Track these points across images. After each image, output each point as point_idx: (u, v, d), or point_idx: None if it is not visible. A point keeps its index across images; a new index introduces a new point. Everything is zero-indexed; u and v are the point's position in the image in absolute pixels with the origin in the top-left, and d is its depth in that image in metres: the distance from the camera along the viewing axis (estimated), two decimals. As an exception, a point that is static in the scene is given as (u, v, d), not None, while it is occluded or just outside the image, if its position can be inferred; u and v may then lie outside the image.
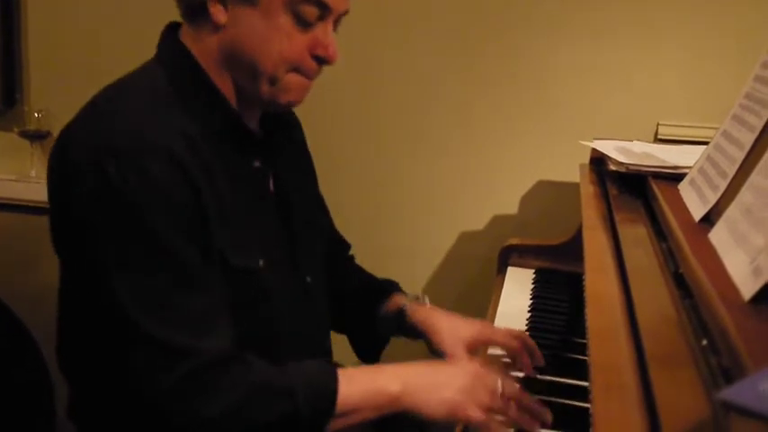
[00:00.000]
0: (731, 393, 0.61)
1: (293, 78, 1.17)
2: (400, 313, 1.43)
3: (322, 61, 1.17)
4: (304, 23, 1.13)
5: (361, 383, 1.15)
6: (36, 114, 2.29)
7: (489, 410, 1.14)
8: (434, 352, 1.38)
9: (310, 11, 1.13)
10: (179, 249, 1.07)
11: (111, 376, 1.13)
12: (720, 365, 0.82)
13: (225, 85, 1.18)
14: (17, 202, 2.35)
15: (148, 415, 1.10)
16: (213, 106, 1.17)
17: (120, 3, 2.23)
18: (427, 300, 1.47)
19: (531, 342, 1.36)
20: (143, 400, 1.09)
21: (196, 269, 1.09)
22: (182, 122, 1.12)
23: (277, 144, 1.30)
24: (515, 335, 1.38)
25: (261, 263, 1.20)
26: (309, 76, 1.18)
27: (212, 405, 1.07)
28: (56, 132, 2.26)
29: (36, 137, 2.31)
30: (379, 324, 1.47)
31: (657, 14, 1.94)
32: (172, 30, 1.22)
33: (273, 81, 1.16)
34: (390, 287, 1.50)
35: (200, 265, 1.10)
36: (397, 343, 1.51)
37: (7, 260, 2.35)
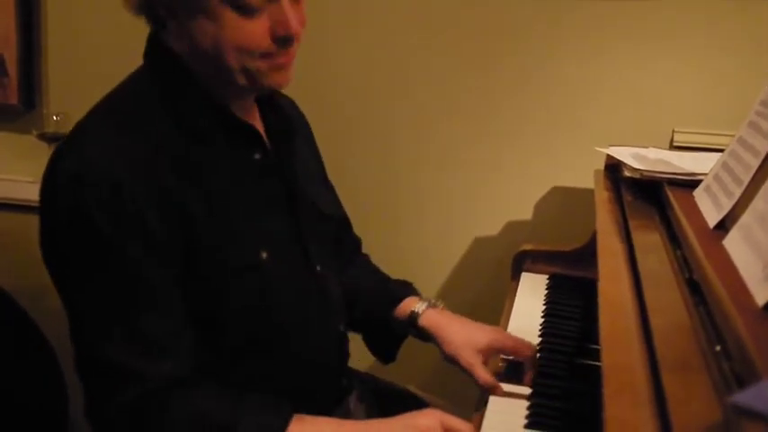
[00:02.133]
0: (742, 397, 0.61)
1: (263, 64, 1.15)
2: (411, 318, 1.42)
3: (285, 40, 1.14)
4: (248, 10, 1.11)
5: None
6: (54, 117, 2.30)
7: None
8: (448, 359, 1.37)
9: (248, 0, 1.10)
10: (147, 272, 1.09)
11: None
12: (733, 371, 0.82)
13: (212, 81, 1.18)
14: (34, 204, 2.36)
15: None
16: (202, 104, 1.18)
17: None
18: (441, 304, 1.46)
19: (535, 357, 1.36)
20: (93, 418, 1.13)
21: (164, 292, 1.11)
22: (165, 129, 1.14)
23: (278, 134, 1.30)
24: (527, 344, 1.37)
25: (264, 255, 1.20)
26: (279, 57, 1.15)
27: None
28: (74, 135, 2.31)
29: (54, 139, 2.31)
30: (393, 327, 1.47)
31: (674, 22, 1.94)
32: (155, 35, 1.23)
33: (245, 72, 1.15)
34: (404, 289, 1.49)
35: (166, 287, 1.11)
36: (413, 342, 1.51)
37: (26, 261, 2.37)
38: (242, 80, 1.16)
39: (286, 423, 1.12)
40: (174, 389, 1.10)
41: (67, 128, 2.25)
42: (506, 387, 1.30)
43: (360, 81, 2.12)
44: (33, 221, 2.35)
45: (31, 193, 2.32)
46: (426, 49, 2.10)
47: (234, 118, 1.21)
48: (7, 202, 2.39)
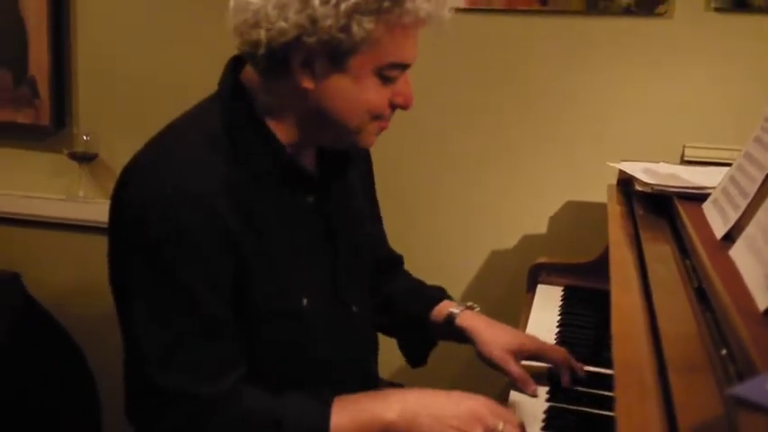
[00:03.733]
0: (741, 390, 0.67)
1: (374, 125, 1.22)
2: (449, 318, 1.46)
3: (400, 107, 1.23)
4: (388, 81, 1.18)
5: (353, 412, 1.16)
6: (84, 137, 2.38)
7: None
8: (482, 358, 1.41)
9: (394, 72, 1.17)
10: (206, 301, 1.13)
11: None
12: (737, 372, 0.87)
13: (281, 128, 1.21)
14: (66, 221, 2.45)
15: None
16: (266, 148, 1.20)
17: (165, 31, 2.33)
18: (477, 307, 1.50)
19: (570, 356, 1.41)
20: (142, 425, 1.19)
21: (221, 320, 1.16)
22: (229, 168, 1.16)
23: (332, 170, 1.33)
24: (557, 349, 1.43)
25: (305, 302, 1.24)
26: (388, 120, 1.23)
27: None
28: (102, 154, 2.39)
29: (84, 158, 2.40)
30: (428, 328, 1.51)
31: (685, 41, 1.99)
32: (235, 65, 1.24)
33: (358, 131, 1.20)
34: (440, 293, 1.54)
35: (223, 317, 1.16)
36: (443, 346, 1.56)
37: (56, 277, 2.44)
38: (348, 138, 1.22)
39: (328, 412, 1.16)
40: (218, 403, 1.14)
41: (96, 147, 2.36)
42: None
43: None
44: (64, 238, 2.45)
45: (62, 210, 2.42)
46: (444, 67, 2.16)
47: (294, 162, 1.24)
48: (39, 219, 2.47)
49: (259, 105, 1.21)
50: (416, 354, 1.57)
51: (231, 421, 1.14)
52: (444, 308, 1.49)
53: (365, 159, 1.51)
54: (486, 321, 1.46)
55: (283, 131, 1.21)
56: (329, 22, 1.08)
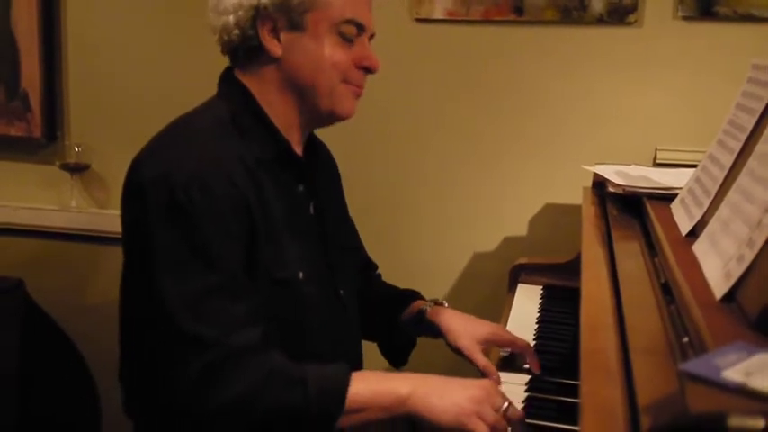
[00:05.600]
0: (689, 365, 0.74)
1: (344, 88, 1.36)
2: (420, 314, 1.56)
3: (367, 70, 1.37)
4: (346, 39, 1.34)
5: (371, 383, 1.24)
6: (76, 149, 2.44)
7: (491, 427, 1.19)
8: (453, 349, 1.50)
9: (350, 29, 1.34)
10: (226, 259, 1.21)
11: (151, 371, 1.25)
12: (695, 356, 0.95)
13: (279, 118, 1.36)
14: (58, 231, 2.51)
15: (172, 405, 1.21)
16: (267, 136, 1.35)
17: (156, 44, 2.40)
18: (446, 303, 1.59)
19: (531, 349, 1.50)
20: (168, 389, 1.21)
21: (238, 279, 1.23)
22: (240, 150, 1.28)
23: (315, 172, 1.46)
24: (522, 339, 1.51)
25: (300, 275, 1.33)
26: (358, 84, 1.38)
27: (226, 393, 1.17)
28: (94, 165, 2.45)
29: (76, 169, 2.46)
30: (403, 327, 1.60)
31: (655, 49, 2.08)
32: (228, 72, 1.40)
33: (330, 92, 1.34)
34: (412, 294, 1.64)
35: (242, 276, 1.24)
36: (423, 346, 1.64)
37: (52, 283, 2.49)
38: (324, 100, 1.35)
39: (348, 378, 1.23)
40: (248, 353, 1.20)
41: (88, 158, 2.43)
42: (505, 376, 1.44)
43: (364, 111, 2.25)
44: (56, 246, 2.51)
45: (55, 220, 2.48)
46: (423, 75, 2.24)
47: (290, 151, 1.38)
48: (33, 228, 2.52)
49: (258, 99, 1.35)
50: (397, 355, 1.65)
51: (259, 373, 1.20)
52: (415, 307, 1.59)
53: (334, 167, 1.64)
54: (454, 314, 1.55)
55: (277, 116, 1.36)
56: None
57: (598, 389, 0.87)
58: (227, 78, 1.40)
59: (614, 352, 0.98)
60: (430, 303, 1.58)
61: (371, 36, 1.41)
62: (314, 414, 1.19)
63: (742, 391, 0.69)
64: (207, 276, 1.20)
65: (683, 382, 0.74)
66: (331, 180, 1.60)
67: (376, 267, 1.75)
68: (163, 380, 1.22)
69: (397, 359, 1.65)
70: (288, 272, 1.32)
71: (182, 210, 1.19)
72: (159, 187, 1.21)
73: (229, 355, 1.19)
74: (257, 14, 1.31)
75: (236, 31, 1.32)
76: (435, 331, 1.54)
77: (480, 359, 1.44)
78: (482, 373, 1.43)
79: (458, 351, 1.48)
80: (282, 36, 1.32)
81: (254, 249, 1.26)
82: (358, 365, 1.52)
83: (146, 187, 1.23)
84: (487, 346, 1.50)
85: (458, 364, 1.53)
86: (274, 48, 1.32)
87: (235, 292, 1.22)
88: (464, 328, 1.49)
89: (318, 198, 1.46)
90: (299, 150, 1.42)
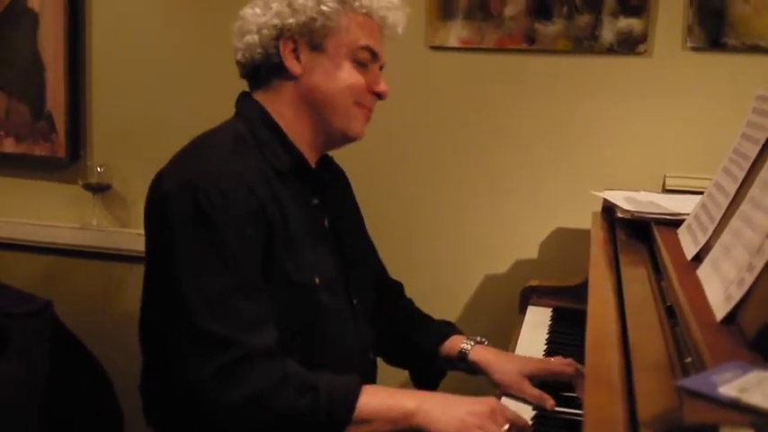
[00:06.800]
0: (687, 382, 0.78)
1: (357, 110, 1.44)
2: (462, 354, 1.58)
3: (378, 96, 1.46)
4: (361, 65, 1.44)
5: (380, 396, 1.29)
6: (98, 169, 2.49)
7: None
8: (498, 386, 1.52)
9: (364, 55, 1.44)
10: (244, 262, 1.28)
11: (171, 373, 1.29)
12: (695, 373, 0.98)
13: (294, 135, 1.44)
14: (80, 249, 2.56)
15: (188, 403, 1.27)
16: (283, 149, 1.43)
17: (177, 67, 2.46)
18: (486, 341, 1.63)
19: (579, 366, 1.50)
20: (185, 387, 1.26)
21: (255, 282, 1.29)
22: (259, 163, 1.36)
23: (329, 187, 1.53)
24: (568, 362, 1.53)
25: (317, 280, 1.39)
26: (369, 108, 1.46)
27: (238, 392, 1.22)
28: (116, 185, 2.50)
29: (98, 189, 2.51)
30: (440, 362, 1.63)
31: (665, 78, 2.12)
32: (245, 94, 1.50)
33: (344, 112, 1.42)
34: (449, 328, 1.67)
35: (259, 278, 1.30)
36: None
37: (73, 299, 2.53)
38: (337, 119, 1.43)
39: (358, 389, 1.28)
40: (264, 357, 1.26)
41: (110, 178, 2.49)
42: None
43: (379, 134, 2.30)
44: (77, 264, 2.56)
45: (76, 238, 2.54)
46: (440, 101, 2.28)
47: (307, 166, 1.45)
48: (55, 246, 2.58)
49: (272, 114, 1.43)
50: (427, 382, 1.68)
51: (273, 376, 1.25)
52: (455, 343, 1.61)
53: (348, 185, 1.70)
54: (497, 353, 1.58)
55: (292, 132, 1.43)
56: (302, 0, 1.38)
57: (602, 404, 0.91)
58: (244, 99, 1.49)
59: (618, 368, 1.02)
60: (470, 342, 1.60)
61: (382, 66, 1.49)
62: (322, 421, 1.23)
63: (736, 406, 0.73)
64: (226, 277, 1.26)
65: (682, 397, 0.78)
66: (344, 196, 1.66)
67: (402, 288, 1.79)
68: (179, 376, 1.26)
69: (427, 387, 1.68)
70: (304, 275, 1.38)
71: (204, 214, 1.26)
72: (184, 194, 1.28)
73: (245, 355, 1.24)
74: (280, 35, 1.40)
75: (260, 50, 1.41)
76: (477, 370, 1.57)
77: (532, 392, 1.45)
78: (534, 403, 1.44)
79: (506, 389, 1.49)
80: (303, 56, 1.41)
81: (272, 254, 1.32)
82: (369, 375, 1.55)
83: (171, 194, 1.30)
84: (535, 379, 1.50)
85: (465, 382, 1.56)
86: (295, 67, 1.41)
87: (252, 294, 1.28)
88: (510, 367, 1.51)
89: (332, 212, 1.52)
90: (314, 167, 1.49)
